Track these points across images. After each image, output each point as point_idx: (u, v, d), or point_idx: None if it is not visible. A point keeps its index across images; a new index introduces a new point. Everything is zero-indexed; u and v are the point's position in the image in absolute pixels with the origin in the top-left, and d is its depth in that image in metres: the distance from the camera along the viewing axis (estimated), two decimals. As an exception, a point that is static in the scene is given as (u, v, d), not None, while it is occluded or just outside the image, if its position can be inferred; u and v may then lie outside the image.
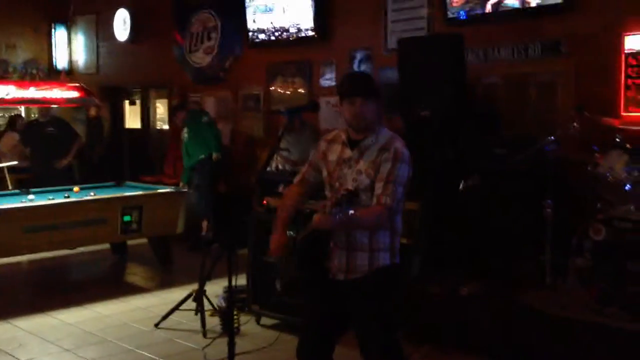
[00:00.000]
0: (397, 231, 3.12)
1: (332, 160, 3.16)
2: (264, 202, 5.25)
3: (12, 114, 11.44)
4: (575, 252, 4.30)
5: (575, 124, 4.75)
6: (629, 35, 5.30)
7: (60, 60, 12.34)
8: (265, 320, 5.27)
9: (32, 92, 9.11)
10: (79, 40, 12.03)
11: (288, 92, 8.29)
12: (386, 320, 3.09)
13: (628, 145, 4.49)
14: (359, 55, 7.51)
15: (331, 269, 3.10)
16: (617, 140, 4.57)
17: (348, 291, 3.08)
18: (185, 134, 8.14)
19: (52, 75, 11.95)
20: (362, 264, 3.05)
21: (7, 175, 9.05)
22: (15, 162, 8.77)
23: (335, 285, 3.10)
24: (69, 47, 12.23)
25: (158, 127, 11.06)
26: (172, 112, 7.67)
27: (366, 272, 3.05)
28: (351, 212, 2.77)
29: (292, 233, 3.18)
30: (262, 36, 8.38)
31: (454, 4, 6.39)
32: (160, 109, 10.93)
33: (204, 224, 7.66)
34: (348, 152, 3.11)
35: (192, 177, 7.97)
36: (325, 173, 3.20)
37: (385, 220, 3.00)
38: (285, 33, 8.08)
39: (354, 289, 3.07)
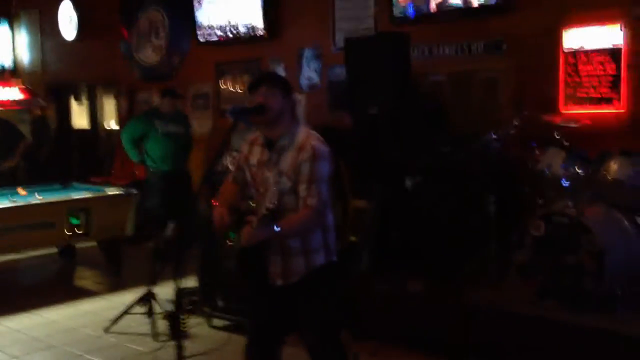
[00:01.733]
0: (329, 228, 3.13)
1: (254, 164, 3.15)
2: (213, 201, 5.25)
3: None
4: (516, 248, 4.42)
5: (515, 122, 4.87)
6: (567, 33, 5.44)
7: (4, 58, 12.06)
8: (216, 322, 5.29)
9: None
10: (23, 37, 11.77)
11: (238, 91, 8.28)
12: (328, 319, 3.13)
13: (566, 143, 4.63)
14: (307, 54, 7.55)
15: (269, 275, 3.11)
16: (556, 137, 4.70)
17: (288, 295, 3.10)
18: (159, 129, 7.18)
19: (-3, 73, 11.70)
20: (297, 267, 3.06)
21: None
22: None
23: (276, 290, 3.11)
24: (13, 43, 11.96)
25: (107, 127, 10.92)
26: (161, 94, 7.26)
27: (303, 275, 3.06)
28: (277, 229, 2.78)
29: (232, 235, 3.20)
30: (210, 34, 8.35)
31: (400, 3, 6.47)
32: (108, 107, 10.79)
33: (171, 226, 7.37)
34: (267, 154, 3.09)
35: (157, 180, 7.19)
36: (248, 176, 3.18)
37: (316, 221, 3.01)
38: (234, 31, 8.07)
39: (293, 292, 3.09)
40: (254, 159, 3.15)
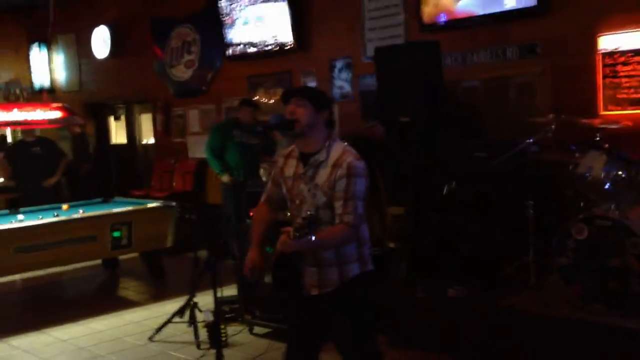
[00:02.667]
0: (364, 240, 3.14)
1: (289, 176, 3.15)
2: (251, 213, 5.31)
3: (-1, 135, 11.52)
4: (557, 252, 4.39)
5: (553, 125, 4.84)
6: (603, 35, 5.42)
7: (42, 79, 12.37)
8: (257, 329, 5.33)
9: (15, 115, 9.12)
10: (60, 59, 12.06)
11: (270, 103, 8.36)
12: (363, 328, 3.14)
13: (606, 145, 4.59)
14: (338, 64, 7.61)
15: (304, 285, 3.13)
16: (596, 139, 4.66)
17: (323, 305, 3.12)
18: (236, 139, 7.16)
19: (35, 94, 11.98)
20: (332, 278, 3.07)
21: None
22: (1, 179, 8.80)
23: (310, 300, 3.13)
24: (50, 65, 12.27)
25: (144, 142, 11.10)
26: (239, 104, 7.32)
27: (337, 285, 3.08)
28: (312, 238, 2.77)
29: (269, 249, 3.22)
30: (241, 49, 8.46)
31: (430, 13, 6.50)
32: (145, 123, 10.98)
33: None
34: (302, 168, 3.10)
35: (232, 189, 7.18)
36: (284, 189, 3.19)
37: (351, 237, 3.02)
38: (264, 45, 8.17)
39: (328, 302, 3.10)
40: (289, 172, 3.17)
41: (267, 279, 3.20)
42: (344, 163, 2.99)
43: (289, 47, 7.91)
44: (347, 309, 3.10)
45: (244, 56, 8.48)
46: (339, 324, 3.14)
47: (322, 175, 3.02)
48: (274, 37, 8.04)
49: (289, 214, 3.33)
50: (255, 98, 8.53)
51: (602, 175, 4.41)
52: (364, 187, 3.02)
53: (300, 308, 3.22)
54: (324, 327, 3.19)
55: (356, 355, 3.15)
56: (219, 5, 8.53)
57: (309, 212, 2.90)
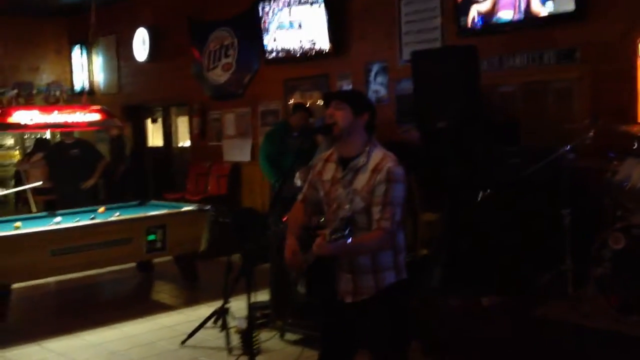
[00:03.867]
0: (400, 248, 3.10)
1: (327, 180, 3.13)
2: (284, 218, 5.31)
3: (39, 137, 11.71)
4: (594, 261, 4.29)
5: (591, 132, 4.74)
6: (643, 40, 5.31)
7: (82, 81, 12.57)
8: (289, 336, 5.32)
9: (55, 117, 9.29)
10: (100, 61, 12.24)
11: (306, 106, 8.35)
12: (396, 336, 3.10)
13: (646, 152, 4.48)
14: (374, 68, 7.58)
15: (339, 292, 3.10)
16: (635, 147, 4.55)
17: (357, 312, 3.09)
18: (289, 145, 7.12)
19: (75, 96, 12.18)
20: (368, 285, 3.04)
21: (30, 197, 9.24)
22: (39, 183, 8.94)
23: (345, 307, 3.11)
24: (90, 67, 12.46)
25: (180, 144, 11.21)
26: (292, 109, 7.29)
27: (373, 293, 3.05)
28: (349, 241, 2.76)
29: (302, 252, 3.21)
30: (278, 52, 8.48)
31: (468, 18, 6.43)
32: (182, 126, 11.08)
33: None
34: (340, 172, 3.08)
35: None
36: (322, 192, 3.17)
37: (388, 243, 3.00)
38: (301, 48, 8.17)
39: (363, 309, 3.07)
40: (327, 175, 3.15)
41: (300, 286, 3.18)
42: (383, 168, 2.97)
43: (326, 50, 7.90)
44: (381, 318, 3.07)
45: (280, 60, 8.50)
46: (373, 332, 3.11)
47: (361, 180, 3.00)
48: (311, 40, 8.04)
49: (323, 219, 3.31)
50: (291, 101, 8.55)
51: (641, 184, 4.30)
52: (403, 193, 3.00)
53: (334, 315, 3.20)
54: (357, 335, 3.17)
55: None
56: (258, 8, 8.56)
57: (346, 215, 2.88)
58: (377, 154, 3.04)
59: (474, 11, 6.38)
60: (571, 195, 4.71)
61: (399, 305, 3.13)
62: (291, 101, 8.53)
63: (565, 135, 5.08)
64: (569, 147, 4.77)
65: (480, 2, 6.31)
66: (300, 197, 3.34)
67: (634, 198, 4.40)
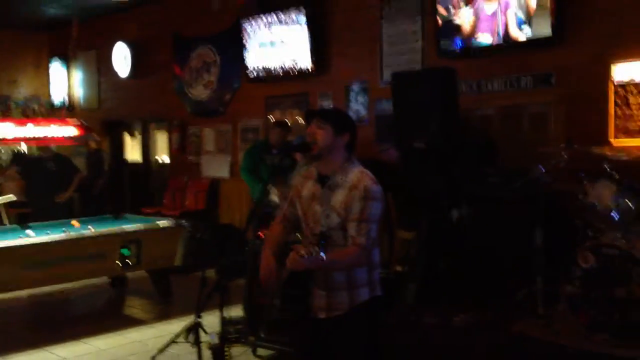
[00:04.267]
0: (375, 265, 3.10)
1: (305, 197, 3.14)
2: (261, 234, 5.30)
3: (15, 150, 11.60)
4: (565, 280, 4.34)
5: (564, 154, 4.81)
6: (617, 66, 5.40)
7: (61, 96, 12.52)
8: (261, 351, 5.29)
9: (32, 130, 9.22)
10: (80, 76, 12.21)
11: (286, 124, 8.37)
12: (369, 353, 3.09)
13: (616, 175, 4.55)
14: (355, 88, 7.64)
15: (312, 308, 3.10)
16: (606, 169, 4.63)
17: (330, 328, 3.08)
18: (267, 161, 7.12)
19: (54, 111, 12.12)
20: (342, 301, 3.04)
21: (3, 210, 9.13)
22: (11, 197, 8.85)
23: (318, 323, 3.10)
24: (70, 82, 12.42)
25: (159, 160, 11.18)
26: (272, 125, 7.26)
27: (346, 309, 3.04)
28: (322, 255, 2.74)
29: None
30: (260, 70, 8.53)
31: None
32: (160, 141, 11.06)
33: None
34: (319, 189, 3.09)
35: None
36: (300, 210, 3.18)
37: (363, 260, 3.00)
38: (282, 67, 8.22)
39: (336, 325, 3.07)
40: (306, 193, 3.16)
41: (275, 301, 3.17)
42: (360, 185, 2.98)
43: (307, 69, 7.96)
44: (354, 334, 3.07)
45: (262, 78, 8.54)
46: (346, 348, 3.09)
47: (338, 197, 3.01)
48: (292, 59, 8.09)
49: (299, 235, 3.31)
50: (270, 118, 8.58)
51: (611, 205, 4.38)
52: (380, 211, 3.01)
53: (307, 331, 3.18)
54: (330, 350, 3.15)
55: None
56: (241, 26, 8.61)
57: (320, 230, 2.88)
58: (355, 172, 3.05)
59: (454, 34, 6.47)
60: (545, 215, 4.76)
61: (371, 321, 3.12)
62: (271, 118, 8.56)
63: (541, 157, 5.15)
64: (543, 169, 4.84)
65: (461, 25, 6.40)
66: (279, 216, 3.34)
67: (604, 219, 4.47)
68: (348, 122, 3.17)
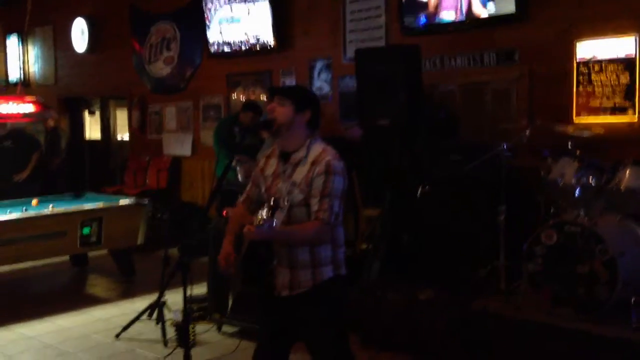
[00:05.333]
0: (339, 243, 3.10)
1: (269, 175, 3.13)
2: (224, 212, 5.27)
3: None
4: (527, 257, 4.40)
5: (527, 131, 4.86)
6: (580, 43, 5.46)
7: (16, 72, 12.21)
8: (226, 328, 5.29)
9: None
10: (36, 51, 11.92)
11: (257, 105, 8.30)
12: (333, 332, 3.10)
13: (579, 152, 4.61)
14: (318, 65, 7.59)
15: (276, 286, 3.08)
16: (569, 146, 4.68)
17: (294, 306, 3.08)
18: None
19: (9, 87, 11.82)
20: (305, 279, 3.03)
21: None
22: None
23: (281, 301, 3.09)
24: (25, 58, 12.12)
25: (119, 138, 11.00)
26: (243, 107, 7.09)
27: (309, 287, 3.04)
28: (275, 223, 2.74)
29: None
30: (221, 46, 8.42)
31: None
32: (120, 119, 10.88)
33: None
34: (281, 166, 3.08)
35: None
36: (263, 188, 3.17)
37: (325, 235, 2.98)
38: (245, 43, 8.13)
39: (299, 303, 3.06)
40: (269, 171, 3.15)
41: (236, 277, 3.15)
42: (322, 161, 2.97)
43: (269, 46, 7.87)
44: (318, 312, 3.06)
45: (224, 54, 8.43)
46: (309, 326, 3.10)
47: (300, 173, 3.00)
48: (255, 36, 8.01)
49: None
50: (234, 97, 8.50)
51: (573, 182, 4.44)
52: (342, 186, 3.00)
53: (271, 308, 3.17)
54: (294, 328, 3.16)
55: (327, 357, 3.12)
56: (201, 2, 8.47)
57: (273, 199, 2.85)
58: (317, 148, 3.05)
59: (418, 11, 6.46)
60: (507, 192, 4.82)
61: (335, 299, 3.12)
62: (235, 96, 8.47)
63: (503, 134, 5.18)
64: (505, 145, 4.88)
65: (424, 2, 6.39)
66: (242, 197, 3.31)
67: (566, 196, 4.52)
68: (309, 99, 3.17)
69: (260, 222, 2.75)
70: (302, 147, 3.05)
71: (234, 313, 5.20)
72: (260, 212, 2.84)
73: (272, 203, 2.80)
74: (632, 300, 4.03)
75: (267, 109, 3.10)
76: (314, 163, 2.99)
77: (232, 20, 8.22)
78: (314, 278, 3.03)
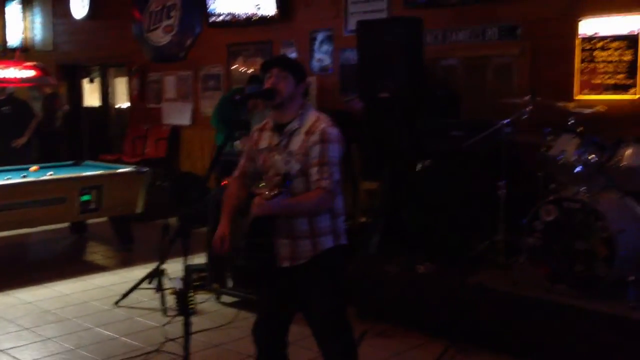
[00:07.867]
0: (338, 213, 3.11)
1: (263, 148, 3.13)
2: (224, 182, 5.27)
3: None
4: (526, 232, 4.42)
5: (528, 107, 4.86)
6: (583, 20, 5.43)
7: (15, 38, 12.12)
8: (225, 298, 5.33)
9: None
10: (35, 17, 11.81)
11: (249, 72, 8.27)
12: (334, 301, 3.12)
13: (580, 129, 4.61)
14: (319, 36, 7.55)
15: (277, 257, 3.09)
16: (570, 123, 4.68)
17: (295, 276, 3.10)
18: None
19: (7, 53, 11.73)
20: (305, 249, 3.05)
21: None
22: None
23: (282, 271, 3.11)
24: (24, 23, 12.02)
25: (117, 106, 10.96)
26: (249, 80, 7.04)
27: (310, 257, 3.06)
28: (287, 197, 2.75)
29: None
30: (222, 16, 8.35)
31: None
32: (120, 87, 10.83)
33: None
34: (276, 138, 3.08)
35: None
36: (259, 162, 3.16)
37: (328, 202, 2.99)
38: (246, 13, 8.07)
39: (300, 273, 3.08)
40: (263, 144, 3.14)
41: (240, 246, 3.16)
42: (317, 129, 2.98)
43: (271, 16, 7.82)
44: (318, 281, 3.09)
45: (224, 24, 8.37)
46: (309, 296, 3.12)
47: (296, 143, 3.00)
48: (256, 5, 7.94)
49: (262, 184, 3.28)
50: (234, 67, 8.46)
51: (574, 159, 4.44)
52: (339, 153, 3.01)
53: (271, 279, 3.20)
54: (294, 299, 3.18)
55: (326, 328, 3.14)
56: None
57: (283, 171, 2.85)
58: (311, 117, 3.06)
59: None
60: (508, 167, 4.83)
61: (335, 269, 3.14)
62: (235, 67, 8.43)
63: (505, 109, 5.18)
64: (507, 121, 4.89)
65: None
66: (236, 172, 3.30)
67: (567, 172, 4.52)
68: (303, 69, 3.19)
69: (271, 196, 2.75)
70: (297, 117, 3.05)
71: (233, 283, 5.23)
72: (263, 185, 2.85)
73: (283, 177, 2.80)
74: (630, 278, 4.07)
75: (268, 82, 3.06)
76: (308, 132, 3.00)
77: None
78: (314, 248, 3.05)
